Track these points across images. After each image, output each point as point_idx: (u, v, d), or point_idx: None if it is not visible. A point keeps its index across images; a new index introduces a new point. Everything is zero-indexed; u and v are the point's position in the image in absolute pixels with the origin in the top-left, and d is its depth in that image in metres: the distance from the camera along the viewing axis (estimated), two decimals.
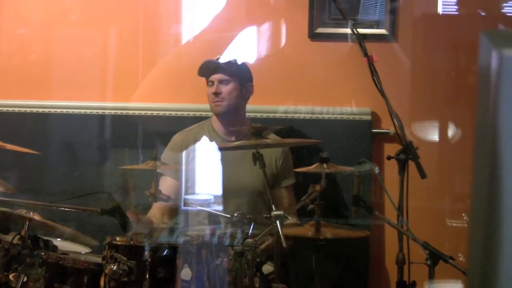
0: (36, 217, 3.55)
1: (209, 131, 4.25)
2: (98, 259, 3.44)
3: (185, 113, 4.61)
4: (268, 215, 3.17)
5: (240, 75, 4.18)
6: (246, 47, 4.67)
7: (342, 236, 3.61)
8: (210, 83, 4.16)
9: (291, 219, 3.40)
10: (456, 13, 4.64)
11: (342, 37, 4.44)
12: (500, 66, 1.15)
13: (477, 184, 1.26)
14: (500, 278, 1.20)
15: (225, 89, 4.12)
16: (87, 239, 3.86)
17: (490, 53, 1.17)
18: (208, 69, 4.16)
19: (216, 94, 4.11)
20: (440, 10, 4.54)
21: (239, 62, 4.22)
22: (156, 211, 4.00)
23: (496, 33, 1.22)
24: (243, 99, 4.20)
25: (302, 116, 4.55)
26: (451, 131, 4.50)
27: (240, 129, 4.02)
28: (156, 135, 4.51)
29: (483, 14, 4.56)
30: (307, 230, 3.48)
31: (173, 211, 4.08)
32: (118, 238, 3.32)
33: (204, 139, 4.23)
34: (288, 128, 4.49)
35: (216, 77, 4.14)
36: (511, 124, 1.14)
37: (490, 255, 1.21)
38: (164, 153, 4.21)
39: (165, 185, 4.09)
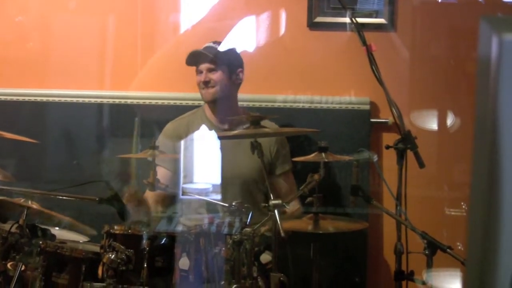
0: (34, 205, 3.55)
1: (202, 118, 4.24)
2: (96, 248, 3.45)
3: (184, 102, 4.61)
4: (266, 204, 3.17)
5: (229, 62, 4.18)
6: (245, 36, 4.66)
7: (341, 229, 3.62)
8: (199, 72, 4.16)
9: (288, 208, 3.39)
10: (455, 1, 4.63)
11: (341, 27, 4.44)
12: (500, 51, 1.14)
13: (477, 173, 1.26)
14: (499, 267, 1.19)
15: (214, 76, 4.13)
16: (85, 228, 3.85)
17: (490, 38, 1.16)
18: (196, 57, 4.16)
19: (205, 83, 4.12)
20: None
21: (229, 48, 4.22)
22: (149, 200, 4.00)
23: (496, 18, 1.21)
24: (233, 86, 4.20)
25: (301, 105, 4.55)
26: (449, 120, 4.49)
27: (233, 118, 4.02)
28: (155, 124, 4.50)
29: (481, 1, 4.54)
30: (306, 224, 3.49)
31: (166, 200, 4.06)
32: (116, 227, 3.33)
33: (197, 127, 4.23)
34: (287, 117, 4.48)
35: (204, 66, 4.14)
36: (511, 109, 1.13)
37: (489, 244, 1.20)
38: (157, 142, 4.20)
39: (159, 176, 4.08)
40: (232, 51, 4.25)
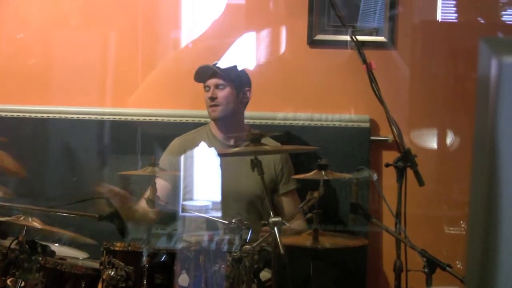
0: (36, 223, 3.54)
1: (208, 136, 4.25)
2: (96, 265, 3.44)
3: (184, 119, 4.61)
4: (266, 222, 3.17)
5: (237, 80, 4.17)
6: (245, 53, 4.67)
7: (341, 245, 3.61)
8: (207, 88, 4.17)
9: (288, 225, 3.39)
10: (455, 20, 4.65)
11: (341, 44, 4.45)
12: (499, 72, 1.15)
13: (476, 192, 1.26)
14: (498, 285, 1.20)
15: (221, 94, 4.13)
16: (86, 240, 3.84)
17: (489, 60, 1.17)
18: (204, 74, 4.16)
19: (212, 98, 4.12)
20: (439, 17, 4.55)
21: (237, 67, 4.22)
22: (144, 203, 3.97)
23: (496, 40, 1.22)
24: (240, 104, 4.20)
25: (301, 122, 4.56)
26: (449, 139, 4.50)
27: (239, 135, 4.02)
28: (155, 140, 4.50)
29: (482, 21, 4.56)
30: (305, 240, 3.48)
31: (161, 213, 4.05)
32: (116, 244, 3.32)
33: (203, 144, 4.23)
34: (287, 134, 4.49)
35: (212, 81, 4.14)
36: (510, 130, 1.14)
37: (488, 262, 1.21)
38: (162, 158, 4.20)
39: (158, 187, 4.08)
40: (240, 70, 4.25)
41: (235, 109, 4.17)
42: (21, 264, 3.40)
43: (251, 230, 3.36)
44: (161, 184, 4.11)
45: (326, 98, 4.63)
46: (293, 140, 4.49)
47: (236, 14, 4.76)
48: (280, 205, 4.17)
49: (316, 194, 3.48)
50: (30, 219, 3.53)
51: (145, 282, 3.22)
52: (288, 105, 4.60)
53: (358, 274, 4.52)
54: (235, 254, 3.13)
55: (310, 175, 3.56)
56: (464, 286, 3.32)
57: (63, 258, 3.54)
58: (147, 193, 3.67)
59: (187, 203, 4.15)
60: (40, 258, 3.41)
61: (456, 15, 4.65)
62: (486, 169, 1.18)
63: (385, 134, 4.50)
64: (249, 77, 4.26)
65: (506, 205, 1.18)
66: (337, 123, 4.54)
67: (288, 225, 3.30)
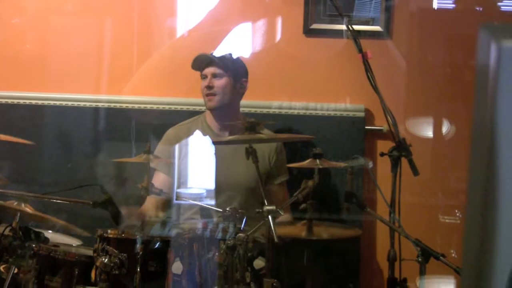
0: (28, 209, 3.54)
1: (203, 126, 4.24)
2: (89, 252, 3.44)
3: (179, 107, 4.61)
4: (260, 210, 3.17)
5: (234, 70, 4.16)
6: (241, 42, 4.66)
7: (335, 236, 3.62)
8: (204, 77, 4.15)
9: (283, 214, 3.39)
10: (452, 8, 4.64)
11: (337, 34, 4.45)
12: (499, 58, 1.14)
13: (473, 180, 1.26)
14: (494, 274, 1.19)
15: (218, 83, 4.11)
16: (78, 230, 3.85)
17: (489, 45, 1.17)
18: (202, 62, 4.15)
19: (209, 87, 4.10)
20: (435, 6, 4.54)
21: (234, 57, 4.21)
22: (149, 205, 4.00)
23: (495, 25, 1.22)
24: (237, 94, 4.18)
25: (296, 112, 4.55)
26: (444, 128, 4.50)
27: (234, 123, 4.01)
28: (150, 128, 4.50)
29: (479, 9, 4.55)
30: (300, 230, 3.49)
31: (167, 205, 4.07)
32: (109, 231, 3.32)
33: (198, 133, 4.22)
34: (282, 123, 4.48)
35: (209, 70, 4.13)
36: (510, 115, 1.13)
37: (485, 251, 1.21)
38: (157, 147, 4.20)
39: (158, 180, 4.08)
40: (237, 60, 4.24)
41: (232, 99, 4.16)
42: (14, 250, 3.40)
43: (245, 218, 3.36)
44: (160, 177, 4.11)
45: (321, 87, 4.63)
46: (288, 129, 4.48)
47: (232, 3, 4.75)
48: (272, 195, 4.17)
49: (310, 183, 3.49)
50: (23, 205, 3.52)
51: (138, 269, 3.22)
52: (283, 94, 4.60)
53: (352, 264, 4.52)
54: (229, 242, 3.12)
55: (305, 164, 3.56)
56: (458, 276, 3.33)
57: (56, 245, 3.54)
58: (144, 182, 3.66)
59: (181, 191, 4.15)
60: (34, 245, 3.41)
61: (452, 3, 4.64)
62: (485, 156, 1.18)
63: (380, 124, 4.50)
64: (246, 68, 4.25)
65: (503, 193, 1.17)
66: (332, 113, 4.54)
67: (282, 213, 3.29)
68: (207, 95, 4.12)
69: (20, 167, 4.61)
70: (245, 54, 4.56)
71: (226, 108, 4.15)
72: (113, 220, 3.58)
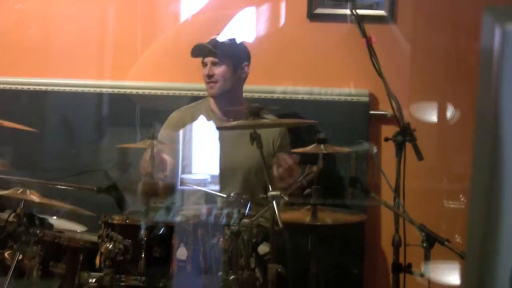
0: (34, 196, 3.53)
1: (207, 110, 4.23)
2: (94, 238, 3.43)
3: (183, 92, 4.60)
4: (265, 195, 3.16)
5: (234, 56, 4.15)
6: (245, 27, 4.65)
7: (339, 221, 3.61)
8: (204, 64, 4.15)
9: (287, 199, 3.38)
10: None
11: (341, 18, 4.42)
12: (503, 41, 1.14)
13: (477, 165, 1.25)
14: (499, 260, 1.19)
15: (218, 71, 4.11)
16: (84, 212, 3.84)
17: (493, 29, 1.16)
18: (200, 52, 4.14)
19: (209, 76, 4.11)
20: None
21: (236, 41, 4.19)
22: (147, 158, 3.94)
23: (499, 8, 1.20)
24: (238, 80, 4.18)
25: (300, 96, 4.55)
26: (449, 113, 4.49)
27: (237, 109, 4.00)
28: (154, 114, 4.49)
29: None
30: (304, 215, 3.48)
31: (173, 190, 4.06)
32: (114, 217, 3.32)
33: (202, 118, 4.22)
34: (286, 108, 4.47)
35: (208, 59, 4.13)
36: None
37: (489, 237, 1.20)
38: (161, 131, 4.19)
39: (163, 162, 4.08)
40: (238, 44, 4.22)
41: (233, 84, 4.15)
42: (19, 237, 3.40)
43: (249, 204, 3.36)
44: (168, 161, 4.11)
45: (325, 72, 4.61)
46: (292, 114, 4.47)
47: None
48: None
49: (315, 168, 3.48)
50: (28, 192, 3.52)
51: (143, 255, 3.21)
52: (287, 79, 4.59)
53: (357, 249, 4.52)
54: (233, 227, 3.12)
55: (309, 149, 3.55)
56: (462, 261, 3.33)
57: (61, 231, 3.54)
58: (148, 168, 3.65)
59: (185, 176, 4.15)
60: (38, 231, 3.41)
61: None
62: (489, 142, 1.17)
63: (385, 109, 4.48)
64: (248, 51, 4.23)
65: (508, 178, 1.17)
66: (336, 97, 4.52)
67: (287, 199, 3.29)
68: (208, 83, 4.12)
69: (24, 153, 4.60)
70: (249, 39, 4.55)
71: (228, 94, 4.14)
72: (117, 206, 3.58)
